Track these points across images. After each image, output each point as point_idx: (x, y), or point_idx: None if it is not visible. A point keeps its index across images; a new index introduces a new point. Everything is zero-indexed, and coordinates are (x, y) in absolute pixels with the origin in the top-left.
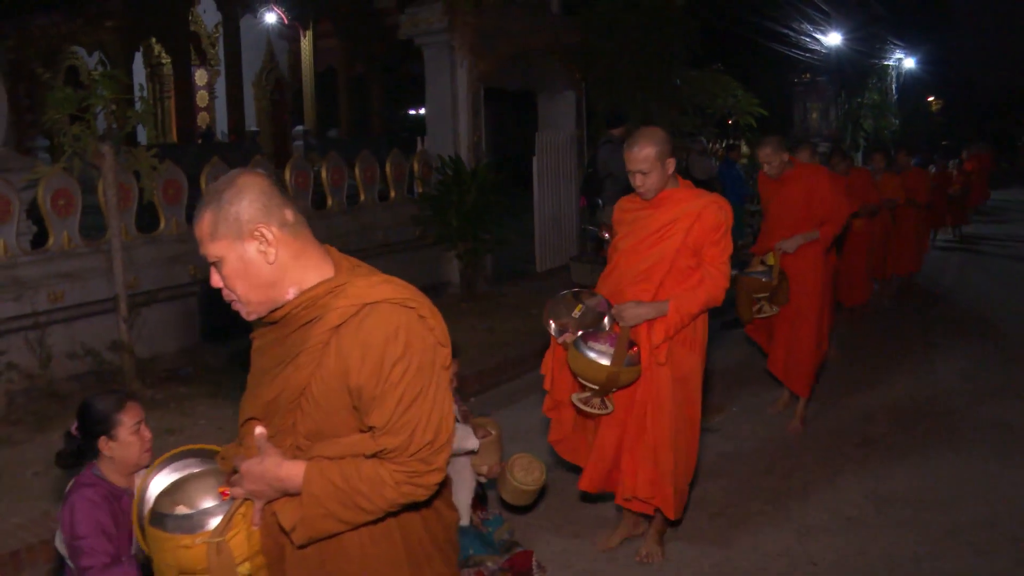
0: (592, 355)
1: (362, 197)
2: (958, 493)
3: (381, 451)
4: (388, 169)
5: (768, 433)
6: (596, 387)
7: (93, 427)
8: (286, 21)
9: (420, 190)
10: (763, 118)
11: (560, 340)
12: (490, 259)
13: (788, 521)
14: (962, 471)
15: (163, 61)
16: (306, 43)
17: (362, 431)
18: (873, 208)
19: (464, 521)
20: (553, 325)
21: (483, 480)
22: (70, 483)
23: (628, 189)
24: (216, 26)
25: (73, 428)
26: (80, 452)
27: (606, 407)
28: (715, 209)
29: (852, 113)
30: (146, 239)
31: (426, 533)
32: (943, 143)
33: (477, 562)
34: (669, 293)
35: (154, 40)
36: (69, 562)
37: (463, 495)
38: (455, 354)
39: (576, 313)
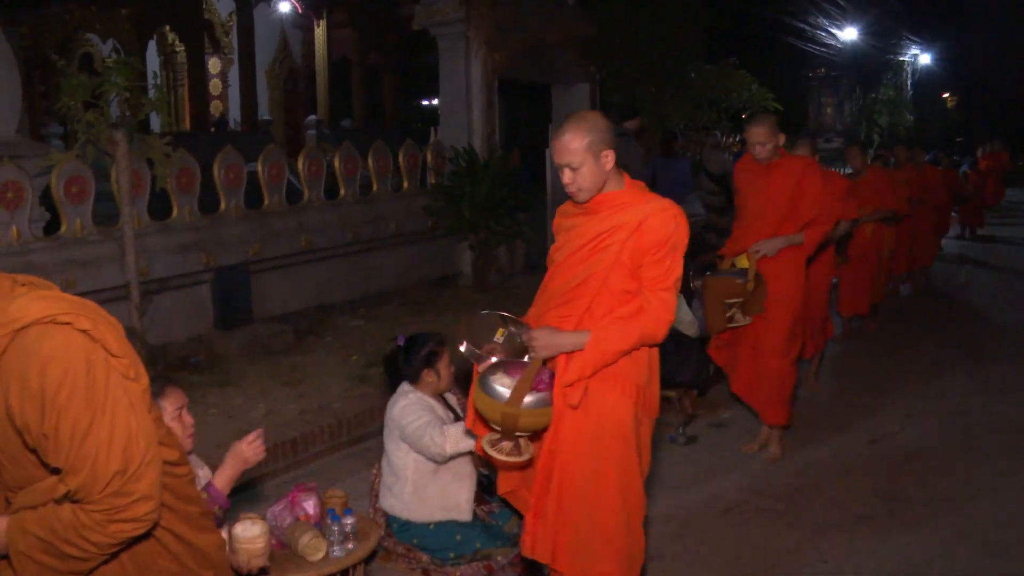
0: (499, 389)
1: (375, 187)
2: (971, 492)
3: (69, 493)
4: (401, 160)
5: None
6: (499, 429)
7: None
8: (300, 10)
9: (433, 181)
10: (777, 112)
11: (481, 368)
12: (503, 250)
13: (799, 518)
14: (975, 470)
15: (177, 49)
16: (320, 32)
17: (54, 472)
18: (887, 213)
19: (466, 516)
20: (467, 347)
21: (486, 473)
22: None
23: (642, 179)
24: (230, 15)
25: None
26: None
27: (520, 453)
28: (661, 218)
29: (867, 109)
30: (159, 227)
31: (175, 564)
32: (957, 140)
33: (485, 555)
34: (595, 321)
35: (168, 28)
36: None
37: (463, 491)
38: (444, 342)
39: (499, 337)
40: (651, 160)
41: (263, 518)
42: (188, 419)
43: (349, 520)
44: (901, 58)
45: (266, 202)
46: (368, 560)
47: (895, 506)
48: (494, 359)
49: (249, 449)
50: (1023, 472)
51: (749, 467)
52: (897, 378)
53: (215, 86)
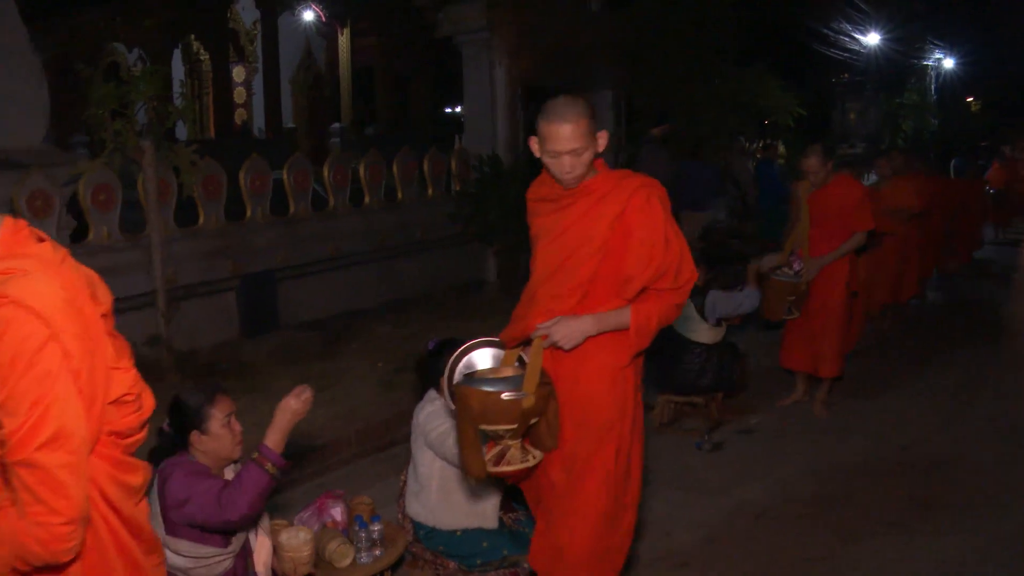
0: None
1: (400, 194)
2: (1003, 498)
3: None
4: (427, 167)
5: (808, 434)
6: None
7: (184, 422)
8: (324, 19)
9: (458, 188)
10: (801, 118)
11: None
12: (528, 256)
13: (830, 525)
14: (1007, 474)
15: (202, 58)
16: (344, 41)
17: None
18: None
19: (492, 524)
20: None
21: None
22: (158, 469)
23: (670, 188)
24: (254, 23)
25: (165, 424)
26: (173, 449)
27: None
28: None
29: (891, 114)
30: (185, 234)
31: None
32: (982, 144)
33: (513, 563)
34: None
35: (193, 37)
36: (174, 546)
37: (490, 498)
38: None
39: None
40: (679, 165)
41: (291, 524)
42: (237, 427)
43: (376, 527)
44: (925, 62)
45: (292, 209)
46: (395, 566)
47: (927, 512)
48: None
49: (298, 401)
50: None
51: (779, 473)
52: (928, 384)
53: (239, 94)
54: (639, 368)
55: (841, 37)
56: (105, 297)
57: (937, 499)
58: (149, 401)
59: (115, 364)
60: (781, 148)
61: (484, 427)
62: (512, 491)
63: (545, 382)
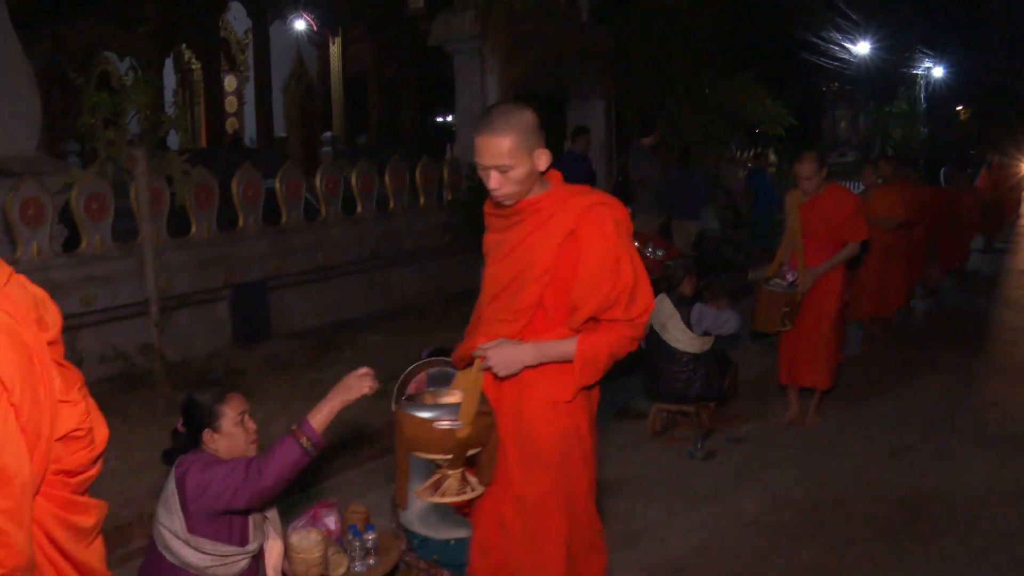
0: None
1: (391, 204)
2: (995, 504)
3: None
4: (418, 176)
5: (799, 442)
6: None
7: (197, 421)
8: (315, 28)
9: (450, 197)
10: (791, 127)
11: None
12: None
13: (820, 532)
14: (997, 477)
15: (193, 67)
16: (335, 49)
17: None
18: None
19: None
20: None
21: None
22: (174, 466)
23: (661, 197)
24: (246, 32)
25: (179, 424)
26: (187, 449)
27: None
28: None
29: (881, 122)
30: (178, 243)
31: None
32: (971, 152)
33: None
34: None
35: (184, 46)
36: (195, 544)
37: None
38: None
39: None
40: (668, 173)
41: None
42: (251, 424)
43: (370, 536)
44: (915, 71)
45: (284, 218)
46: (390, 575)
47: (917, 518)
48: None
49: (358, 382)
50: None
51: (769, 481)
52: (916, 391)
53: (231, 103)
54: (593, 400)
55: (831, 46)
56: (54, 321)
57: (927, 505)
58: (102, 434)
59: (63, 397)
60: (772, 157)
61: (419, 454)
62: None
63: (485, 411)
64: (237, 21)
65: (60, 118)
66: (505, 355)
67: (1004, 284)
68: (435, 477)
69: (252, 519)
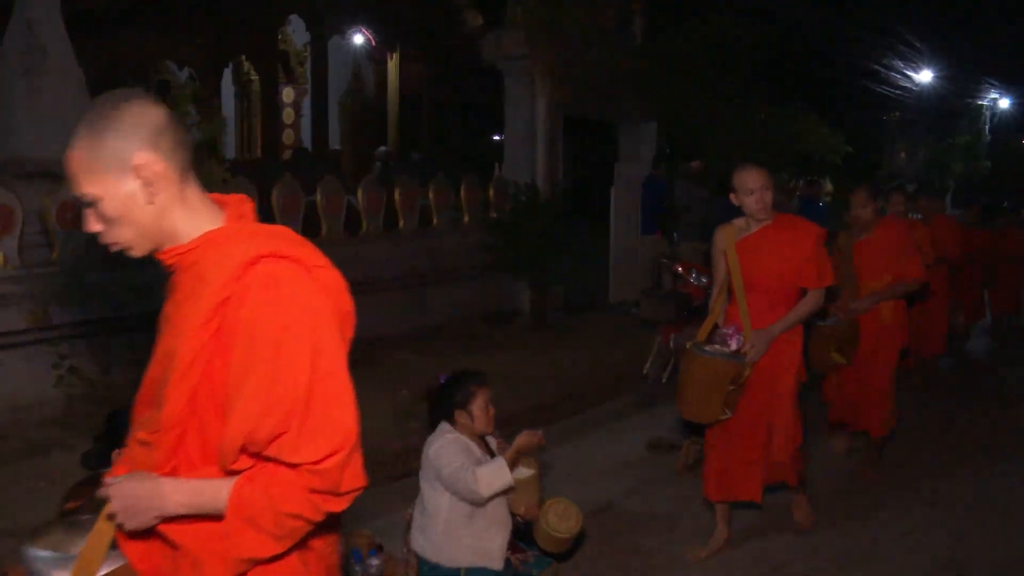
0: None
1: (434, 220)
2: None
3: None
4: (462, 194)
5: (830, 484)
6: None
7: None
8: (373, 43)
9: (494, 216)
10: (849, 156)
11: None
12: (562, 288)
13: None
14: None
15: (252, 78)
16: (392, 65)
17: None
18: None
19: (497, 565)
20: None
21: (520, 520)
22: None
23: (706, 222)
24: (305, 46)
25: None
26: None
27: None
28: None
29: (941, 154)
30: None
31: None
32: None
33: None
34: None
35: (244, 58)
36: None
37: (496, 538)
38: (483, 383)
39: None
40: (715, 201)
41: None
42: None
43: (374, 562)
44: (980, 102)
45: (324, 231)
46: None
47: (961, 568)
48: None
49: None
50: None
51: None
52: (961, 440)
53: (288, 115)
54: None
55: (893, 74)
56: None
57: (972, 556)
58: None
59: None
60: (828, 186)
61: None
62: (518, 532)
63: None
64: (296, 34)
65: None
66: (128, 498)
67: None
68: None
69: None
